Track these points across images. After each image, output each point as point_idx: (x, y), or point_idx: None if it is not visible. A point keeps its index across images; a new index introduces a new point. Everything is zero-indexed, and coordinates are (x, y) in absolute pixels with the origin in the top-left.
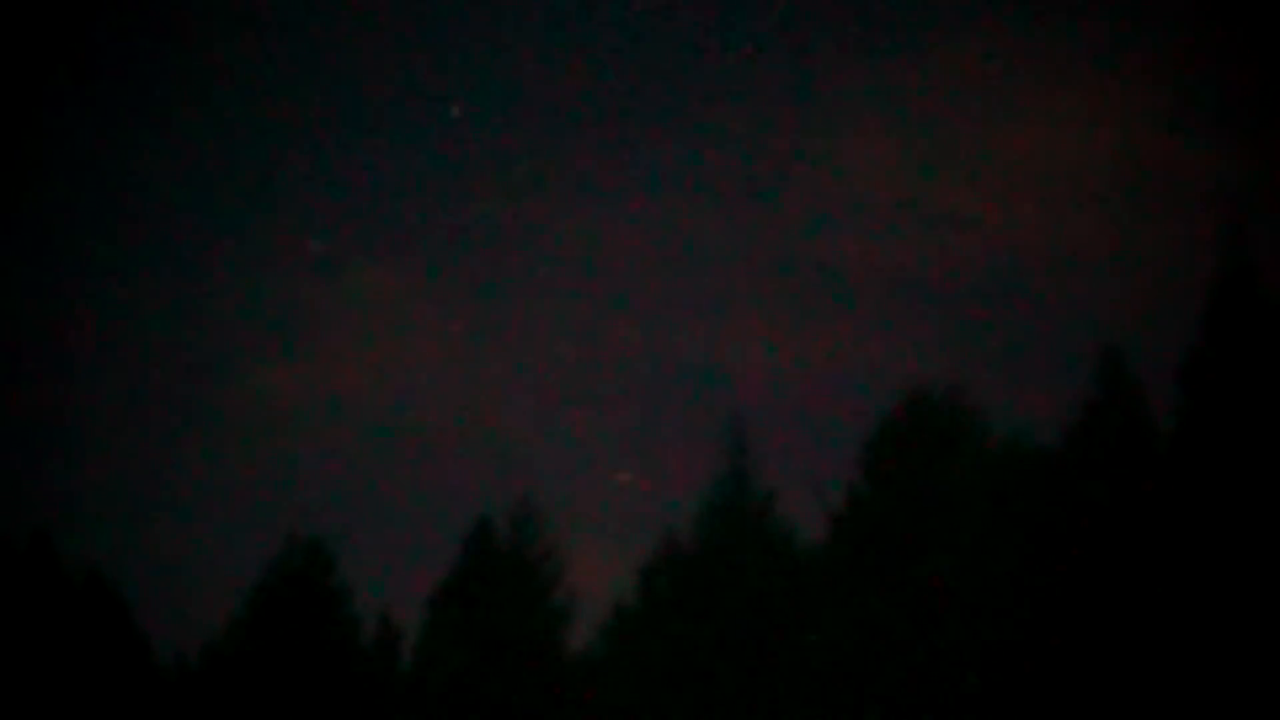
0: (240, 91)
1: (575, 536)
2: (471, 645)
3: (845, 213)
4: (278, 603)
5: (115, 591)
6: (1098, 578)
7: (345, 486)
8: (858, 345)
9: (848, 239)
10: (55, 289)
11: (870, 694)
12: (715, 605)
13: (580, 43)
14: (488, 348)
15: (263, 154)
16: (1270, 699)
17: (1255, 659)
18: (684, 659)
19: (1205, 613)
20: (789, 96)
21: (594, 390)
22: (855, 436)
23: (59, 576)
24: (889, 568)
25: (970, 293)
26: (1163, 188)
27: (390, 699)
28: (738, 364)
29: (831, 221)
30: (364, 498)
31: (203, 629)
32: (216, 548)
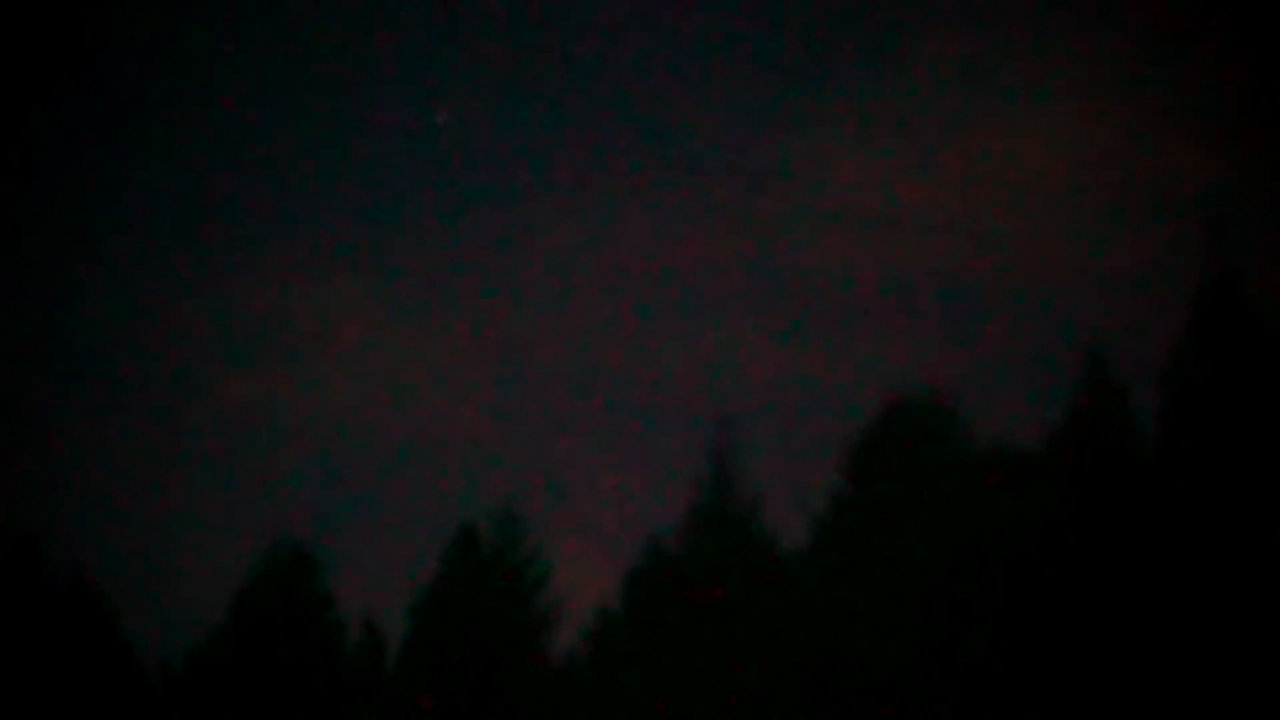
0: (222, 103)
1: (559, 542)
2: (455, 650)
3: (829, 222)
4: (262, 608)
5: (99, 597)
6: (1081, 580)
7: (329, 493)
8: (841, 351)
9: (831, 248)
10: (41, 300)
11: (854, 696)
12: (699, 610)
13: (566, 55)
14: (470, 355)
15: (245, 164)
16: (1257, 697)
17: (1240, 657)
18: (669, 663)
19: (1189, 614)
20: (773, 108)
21: (578, 397)
22: (838, 441)
23: (43, 582)
24: (871, 570)
25: (953, 298)
26: (1145, 193)
27: (374, 704)
28: (722, 371)
29: (815, 231)
30: (348, 504)
31: (187, 635)
32: (201, 554)
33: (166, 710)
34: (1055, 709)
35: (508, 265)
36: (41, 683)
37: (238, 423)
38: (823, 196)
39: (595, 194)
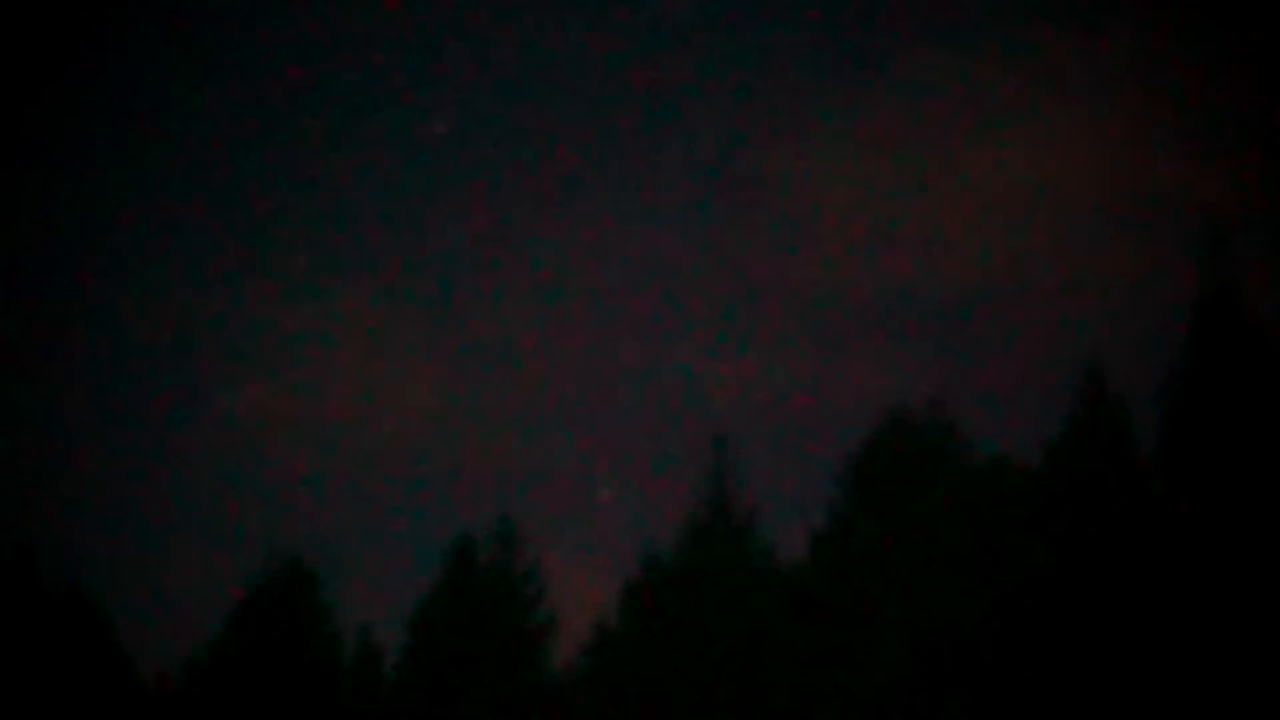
0: (223, 113)
1: (557, 555)
2: (453, 664)
3: (826, 237)
4: (259, 621)
5: (97, 607)
6: (1080, 595)
7: (326, 505)
8: (840, 365)
9: (828, 262)
10: (38, 311)
11: (852, 711)
12: (697, 623)
13: (564, 68)
14: (467, 367)
15: (244, 174)
16: (1257, 708)
17: (1242, 673)
18: (666, 677)
19: (1189, 628)
20: (767, 122)
21: (576, 409)
22: (837, 455)
23: (41, 592)
24: (870, 585)
25: (951, 313)
26: (1141, 207)
27: (372, 717)
28: (720, 384)
29: (812, 245)
30: (345, 516)
31: (184, 646)
32: (199, 565)
33: None
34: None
35: (505, 276)
36: (39, 693)
37: (236, 434)
38: (817, 211)
39: (592, 207)
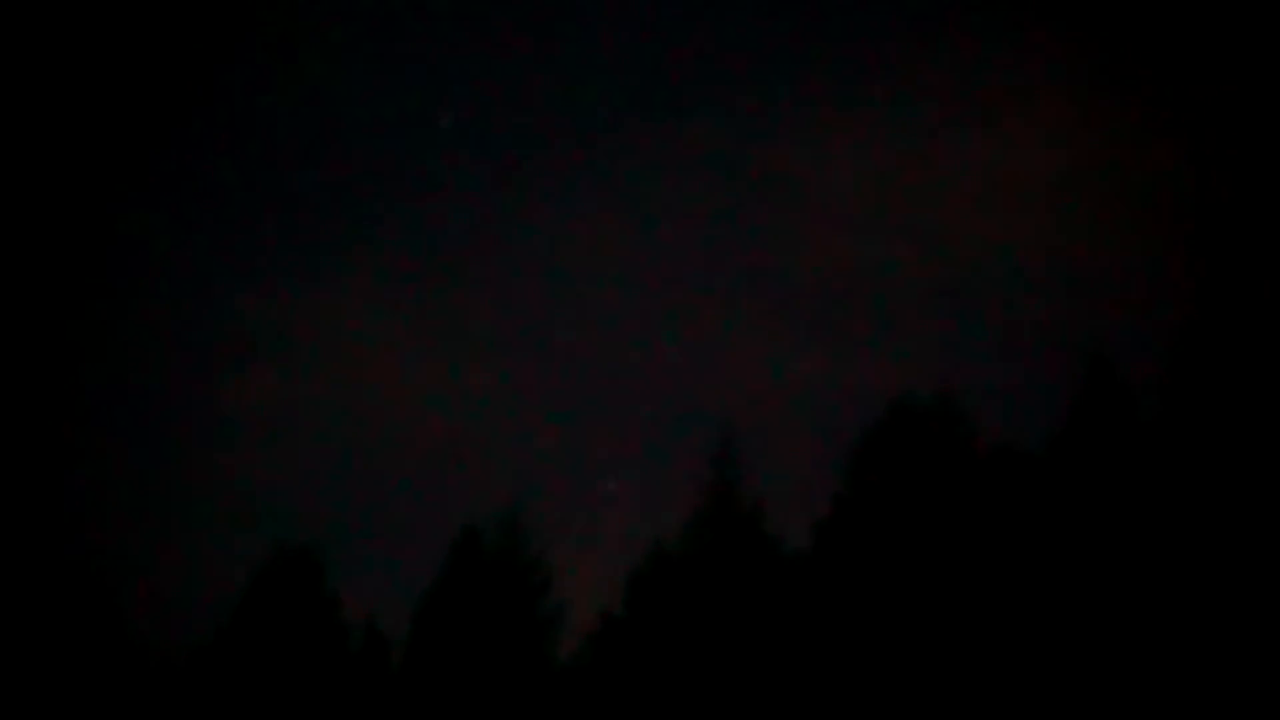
0: (227, 103)
1: (562, 545)
2: (458, 653)
3: (830, 228)
4: (266, 610)
5: (106, 594)
6: (1084, 580)
7: (332, 496)
8: (844, 355)
9: (833, 253)
10: (48, 300)
11: (856, 698)
12: (703, 613)
13: (570, 58)
14: (473, 357)
15: (250, 165)
16: (1264, 697)
17: (1245, 656)
18: (671, 665)
19: (1194, 613)
20: (774, 114)
21: (581, 400)
22: (841, 445)
23: (51, 576)
24: (874, 573)
25: (956, 303)
26: (1141, 196)
27: (378, 706)
28: (725, 374)
29: (816, 235)
30: (351, 507)
31: (193, 633)
32: (207, 553)
33: (170, 707)
34: (1058, 705)
35: (512, 270)
36: (46, 677)
37: (244, 424)
38: (822, 203)
39: (597, 199)
